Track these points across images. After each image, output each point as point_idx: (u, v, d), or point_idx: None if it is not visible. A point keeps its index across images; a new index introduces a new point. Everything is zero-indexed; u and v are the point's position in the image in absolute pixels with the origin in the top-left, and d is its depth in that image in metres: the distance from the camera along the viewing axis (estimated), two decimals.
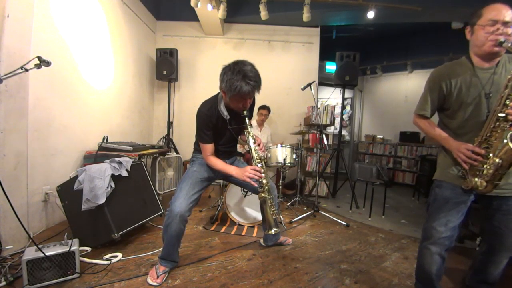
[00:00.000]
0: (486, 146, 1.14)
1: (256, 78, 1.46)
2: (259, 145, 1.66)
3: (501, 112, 1.09)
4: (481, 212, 1.34)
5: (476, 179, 1.16)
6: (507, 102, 1.08)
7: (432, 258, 1.29)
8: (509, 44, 1.10)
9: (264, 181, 1.62)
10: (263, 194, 1.64)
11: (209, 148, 1.66)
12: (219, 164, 1.68)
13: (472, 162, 1.15)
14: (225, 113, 1.63)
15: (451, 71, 1.27)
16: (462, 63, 1.27)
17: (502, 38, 1.10)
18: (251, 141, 1.64)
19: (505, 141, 1.07)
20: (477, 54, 1.21)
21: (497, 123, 1.11)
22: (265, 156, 1.75)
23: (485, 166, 1.13)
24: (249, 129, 1.64)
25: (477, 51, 1.21)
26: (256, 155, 1.63)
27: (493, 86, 1.17)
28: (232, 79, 1.42)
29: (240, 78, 1.41)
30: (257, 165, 1.61)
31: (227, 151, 1.82)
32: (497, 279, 1.37)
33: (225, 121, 1.64)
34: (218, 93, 1.67)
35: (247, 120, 1.62)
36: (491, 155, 1.12)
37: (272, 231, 1.65)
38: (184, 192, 1.62)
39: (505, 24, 1.11)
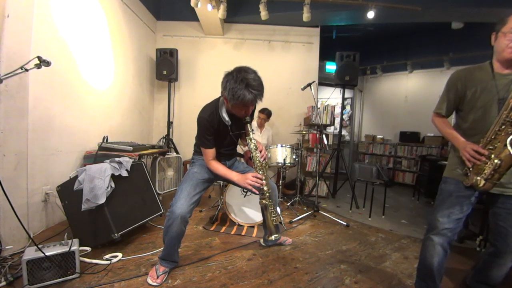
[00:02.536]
0: (491, 147, 1.19)
1: (259, 87, 1.44)
2: (260, 151, 1.66)
3: (507, 117, 1.13)
4: (489, 212, 1.36)
5: (477, 177, 1.22)
6: None
7: (435, 249, 1.33)
8: None
9: (265, 188, 1.62)
10: (264, 201, 1.65)
11: (210, 153, 1.66)
12: (220, 169, 1.67)
13: (475, 161, 1.21)
14: (226, 118, 1.61)
15: (469, 74, 1.32)
16: (483, 67, 1.30)
17: None
18: (253, 147, 1.64)
19: (508, 144, 1.10)
20: (498, 60, 1.25)
21: (503, 127, 1.15)
22: (266, 162, 1.75)
23: (486, 166, 1.18)
24: (251, 135, 1.64)
25: (498, 57, 1.24)
26: (258, 162, 1.64)
27: (507, 93, 1.19)
28: (235, 88, 1.40)
29: (243, 87, 1.40)
30: (258, 172, 1.62)
31: (227, 154, 1.82)
32: (498, 281, 1.37)
33: (227, 126, 1.63)
34: (219, 98, 1.65)
35: (248, 126, 1.62)
36: (493, 156, 1.16)
37: (273, 237, 1.69)
38: (185, 193, 1.61)
39: None
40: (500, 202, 1.27)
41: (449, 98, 1.38)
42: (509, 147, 1.09)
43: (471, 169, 1.25)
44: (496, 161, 1.14)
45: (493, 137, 1.18)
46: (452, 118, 1.53)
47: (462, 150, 1.27)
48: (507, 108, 1.13)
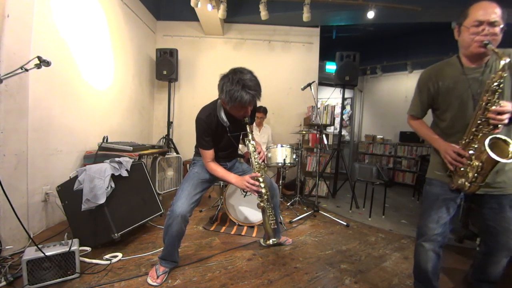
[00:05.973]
0: (471, 150, 1.15)
1: (256, 87, 1.44)
2: (259, 153, 1.66)
3: (482, 116, 1.10)
4: (477, 212, 1.35)
5: (462, 180, 1.17)
6: (488, 106, 1.08)
7: (427, 255, 1.32)
8: (494, 46, 1.08)
9: (263, 191, 1.62)
10: (262, 204, 1.65)
11: (209, 154, 1.66)
12: (219, 171, 1.68)
13: (457, 164, 1.17)
14: (225, 119, 1.61)
15: (439, 71, 1.28)
16: (451, 63, 1.27)
17: (486, 40, 1.08)
18: (251, 149, 1.63)
19: (486, 146, 1.05)
20: (465, 54, 1.21)
21: (479, 127, 1.12)
22: (266, 164, 1.75)
23: (468, 168, 1.14)
24: (250, 137, 1.63)
25: (464, 51, 1.21)
26: (256, 164, 1.63)
27: (481, 87, 1.15)
28: (232, 90, 1.40)
29: (240, 88, 1.39)
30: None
31: (227, 155, 1.83)
32: (498, 277, 1.37)
33: (225, 128, 1.63)
34: (218, 99, 1.64)
35: (247, 128, 1.62)
36: (473, 158, 1.12)
37: (271, 242, 1.71)
38: (186, 192, 1.62)
39: (491, 24, 1.09)
40: (486, 202, 1.25)
41: (422, 99, 1.35)
42: (487, 149, 1.03)
43: (453, 171, 1.21)
44: (476, 163, 1.09)
45: (471, 138, 1.14)
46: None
47: (444, 153, 1.23)
48: (481, 107, 1.10)
